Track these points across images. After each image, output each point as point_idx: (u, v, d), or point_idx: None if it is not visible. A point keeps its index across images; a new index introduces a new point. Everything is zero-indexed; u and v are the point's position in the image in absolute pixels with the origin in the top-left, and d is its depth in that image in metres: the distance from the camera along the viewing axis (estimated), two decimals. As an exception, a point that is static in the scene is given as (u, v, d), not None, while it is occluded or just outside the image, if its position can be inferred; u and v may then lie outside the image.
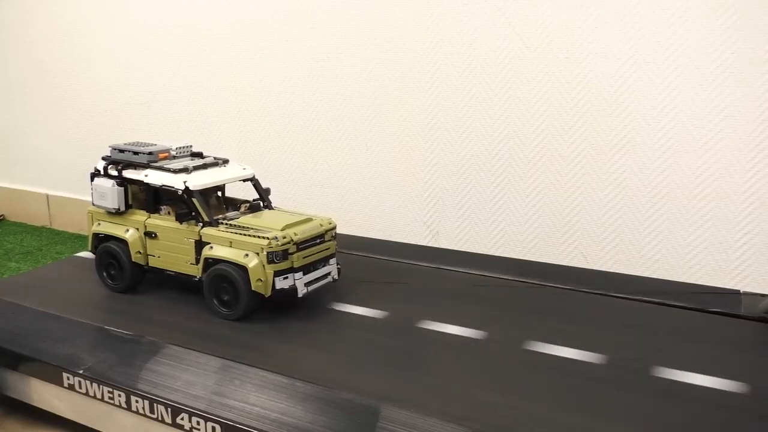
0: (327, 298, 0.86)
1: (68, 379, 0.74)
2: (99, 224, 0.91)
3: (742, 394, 0.64)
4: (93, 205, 0.91)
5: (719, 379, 0.67)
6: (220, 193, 0.92)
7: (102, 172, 0.89)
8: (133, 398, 0.69)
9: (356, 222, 1.24)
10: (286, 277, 0.79)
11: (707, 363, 0.70)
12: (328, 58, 1.20)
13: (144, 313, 0.84)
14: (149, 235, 0.87)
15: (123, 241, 0.88)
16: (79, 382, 0.73)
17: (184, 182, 0.83)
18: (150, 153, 0.87)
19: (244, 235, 0.80)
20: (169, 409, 0.67)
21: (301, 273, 0.81)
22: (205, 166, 0.88)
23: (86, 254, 1.02)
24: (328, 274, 0.86)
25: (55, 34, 1.54)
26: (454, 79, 1.09)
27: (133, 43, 1.43)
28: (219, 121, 1.36)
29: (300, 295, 0.81)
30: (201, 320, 0.81)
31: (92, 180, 0.90)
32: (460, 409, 0.62)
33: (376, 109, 1.18)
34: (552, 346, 0.74)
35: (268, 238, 0.78)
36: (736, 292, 0.87)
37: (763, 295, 0.86)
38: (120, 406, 0.70)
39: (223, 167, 0.90)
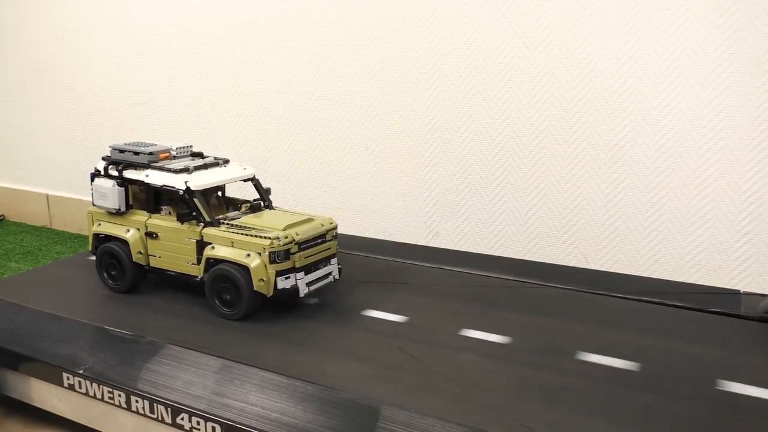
0: (328, 298, 0.86)
1: (68, 379, 0.74)
2: (99, 224, 0.91)
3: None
4: (93, 205, 0.91)
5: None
6: (220, 193, 0.92)
7: (102, 173, 0.89)
8: (133, 398, 0.69)
9: (356, 222, 1.24)
10: (288, 277, 0.79)
11: (707, 363, 0.70)
12: (328, 58, 1.20)
13: (144, 314, 0.84)
14: (150, 235, 0.87)
15: (124, 242, 0.88)
16: (79, 382, 0.73)
17: (186, 182, 0.83)
18: (150, 153, 0.87)
19: (246, 235, 0.80)
20: (169, 409, 0.67)
21: (302, 273, 0.81)
22: (205, 166, 0.88)
23: (86, 254, 1.02)
24: (329, 273, 0.86)
25: (55, 34, 1.54)
26: (454, 79, 1.09)
27: (133, 43, 1.43)
28: (219, 121, 1.36)
29: (302, 294, 0.81)
30: (202, 320, 0.81)
31: (92, 180, 0.90)
32: (460, 408, 0.62)
33: (376, 109, 1.18)
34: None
35: (270, 238, 0.78)
36: (736, 292, 0.87)
37: (763, 295, 0.86)
38: (120, 406, 0.70)
39: (223, 167, 0.90)
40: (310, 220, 0.85)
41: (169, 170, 0.85)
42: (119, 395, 0.70)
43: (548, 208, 1.06)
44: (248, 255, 0.79)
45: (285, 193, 1.30)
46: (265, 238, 0.78)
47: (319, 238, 0.83)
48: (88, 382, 0.72)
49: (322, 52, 1.21)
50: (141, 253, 0.87)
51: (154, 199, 0.88)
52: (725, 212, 0.94)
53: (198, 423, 0.65)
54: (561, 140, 1.03)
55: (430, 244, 1.17)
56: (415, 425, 0.60)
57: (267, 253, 0.78)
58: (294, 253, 0.79)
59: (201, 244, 0.83)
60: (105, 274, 0.91)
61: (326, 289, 0.86)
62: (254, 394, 0.66)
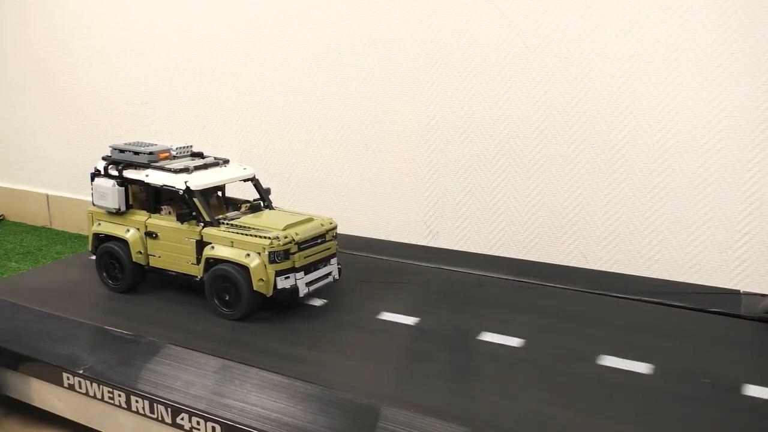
0: (327, 298, 0.86)
1: (68, 379, 0.74)
2: (99, 224, 0.91)
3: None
4: (93, 205, 0.91)
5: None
6: (220, 193, 0.92)
7: (102, 172, 0.89)
8: (133, 398, 0.69)
9: (356, 222, 1.24)
10: (288, 277, 0.79)
11: (707, 363, 0.70)
12: (328, 58, 1.20)
13: (144, 313, 0.84)
14: (150, 235, 0.87)
15: (124, 242, 0.88)
16: (79, 382, 0.73)
17: (185, 182, 0.83)
18: (150, 153, 0.87)
19: (246, 234, 0.80)
20: (169, 409, 0.67)
21: (302, 273, 0.81)
22: (205, 166, 0.88)
23: (86, 254, 1.02)
24: (329, 273, 0.86)
25: (55, 34, 1.54)
26: (454, 79, 1.09)
27: (133, 43, 1.43)
28: (219, 121, 1.36)
29: (301, 294, 0.81)
30: (202, 320, 0.81)
31: (92, 180, 0.90)
32: (460, 408, 0.62)
33: (376, 109, 1.18)
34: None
35: (269, 238, 0.78)
36: (736, 292, 0.87)
37: (763, 295, 0.86)
38: (120, 406, 0.70)
39: (223, 167, 0.90)
40: (309, 220, 0.85)
41: (169, 170, 0.85)
42: (119, 395, 0.70)
43: (548, 208, 1.06)
44: (248, 255, 0.79)
45: (285, 193, 1.30)
46: (264, 238, 0.78)
47: (319, 238, 0.83)
48: (88, 382, 0.72)
49: (322, 52, 1.21)
50: (141, 252, 0.87)
51: (154, 199, 0.88)
52: (725, 212, 0.94)
53: (198, 423, 0.65)
54: (561, 140, 1.03)
55: (430, 244, 1.17)
56: (415, 425, 0.60)
57: (267, 253, 0.78)
58: (294, 253, 0.79)
59: (201, 244, 0.83)
60: (105, 274, 0.91)
61: (326, 289, 0.86)
62: (254, 394, 0.66)
